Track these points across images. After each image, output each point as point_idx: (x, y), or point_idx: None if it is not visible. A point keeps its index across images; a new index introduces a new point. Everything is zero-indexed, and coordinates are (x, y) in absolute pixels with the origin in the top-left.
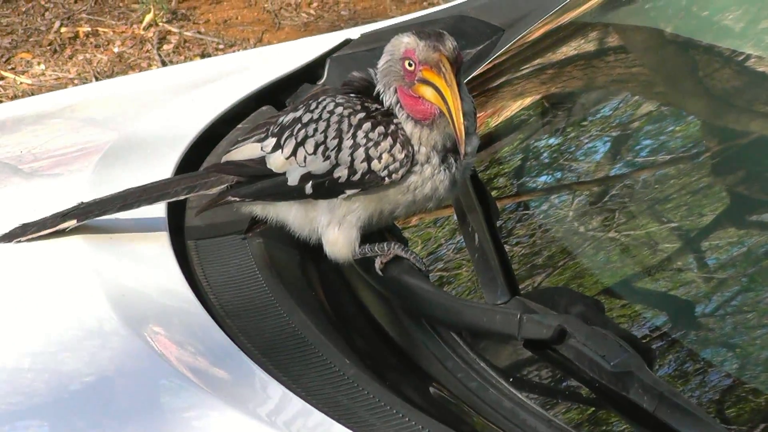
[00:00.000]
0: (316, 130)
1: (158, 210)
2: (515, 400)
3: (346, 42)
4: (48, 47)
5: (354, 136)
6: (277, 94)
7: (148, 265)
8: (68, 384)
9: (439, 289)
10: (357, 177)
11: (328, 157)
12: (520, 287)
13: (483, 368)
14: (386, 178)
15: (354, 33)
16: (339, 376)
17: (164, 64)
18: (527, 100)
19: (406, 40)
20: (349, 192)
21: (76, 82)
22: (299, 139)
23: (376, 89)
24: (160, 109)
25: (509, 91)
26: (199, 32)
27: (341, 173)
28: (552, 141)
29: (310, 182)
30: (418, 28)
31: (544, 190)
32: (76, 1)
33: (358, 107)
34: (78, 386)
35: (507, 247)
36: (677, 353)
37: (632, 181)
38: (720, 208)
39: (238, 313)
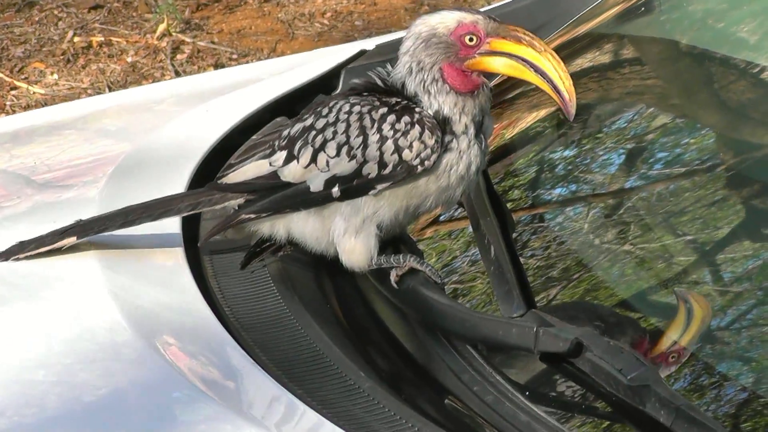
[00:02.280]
0: (336, 132)
1: (173, 223)
2: (531, 414)
3: (362, 53)
4: (61, 57)
5: (380, 129)
6: (291, 105)
7: (163, 277)
8: (81, 396)
9: (455, 302)
10: (388, 170)
11: (354, 156)
12: (536, 300)
13: (499, 382)
14: (419, 167)
15: (369, 44)
16: (354, 389)
17: (178, 74)
18: (542, 112)
19: (457, 16)
20: (379, 187)
21: (89, 92)
22: (317, 146)
23: (398, 74)
24: (174, 120)
25: (524, 102)
26: (213, 42)
27: (371, 169)
28: (567, 153)
29: (337, 185)
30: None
31: (560, 202)
32: (89, 11)
33: (377, 103)
34: (91, 398)
35: (522, 260)
36: (694, 367)
37: (647, 193)
38: (735, 221)
39: (253, 327)
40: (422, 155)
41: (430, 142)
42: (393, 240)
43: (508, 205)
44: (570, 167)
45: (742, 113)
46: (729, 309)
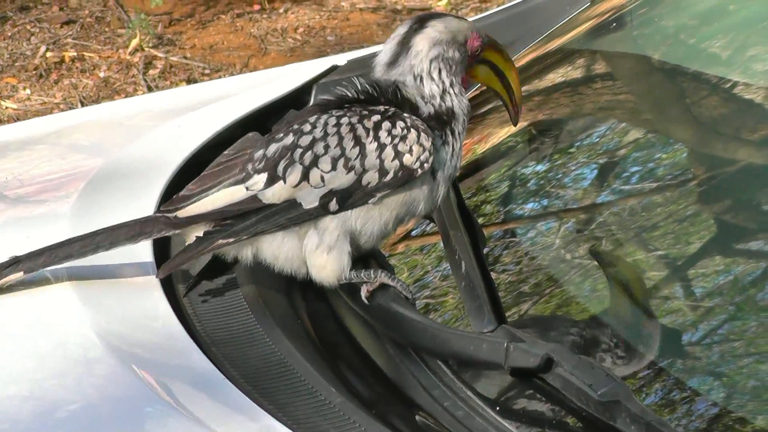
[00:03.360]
0: (327, 146)
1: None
2: (502, 429)
3: (333, 68)
4: (34, 72)
5: (377, 137)
6: (263, 120)
7: (134, 293)
8: (53, 411)
9: (426, 317)
10: (389, 177)
11: (351, 168)
12: (507, 315)
13: (470, 397)
14: (419, 170)
15: (341, 59)
16: (325, 404)
17: (150, 89)
18: (514, 127)
19: (467, 25)
20: (378, 195)
21: (62, 107)
22: (307, 163)
23: (401, 75)
24: (146, 135)
25: (496, 117)
26: (185, 57)
27: (371, 178)
28: (539, 168)
29: (335, 199)
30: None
31: (531, 218)
32: (62, 26)
33: (365, 112)
34: (63, 414)
35: (494, 275)
36: (664, 382)
37: (619, 208)
38: (707, 236)
39: (223, 341)
40: (422, 158)
41: (427, 144)
42: (364, 255)
43: (480, 220)
44: (542, 182)
45: (713, 128)
46: (700, 324)
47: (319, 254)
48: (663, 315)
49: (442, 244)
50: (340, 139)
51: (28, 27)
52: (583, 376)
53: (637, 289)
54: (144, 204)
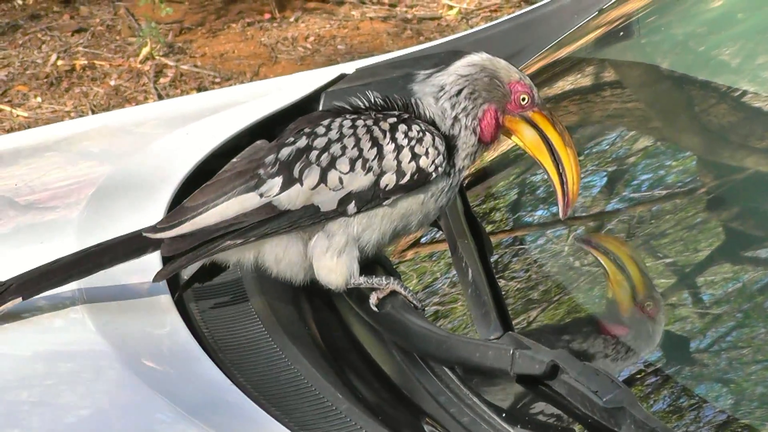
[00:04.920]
0: (345, 147)
1: None
2: None
3: (341, 76)
4: (45, 80)
5: (394, 139)
6: (271, 129)
7: (142, 298)
8: (63, 417)
9: (432, 324)
10: (406, 179)
11: (370, 169)
12: (513, 323)
13: (475, 403)
14: (433, 173)
15: (349, 67)
16: (332, 410)
17: (161, 97)
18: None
19: (518, 74)
20: (393, 198)
21: (72, 115)
22: (325, 164)
23: (441, 85)
24: (156, 142)
25: None
26: (196, 66)
27: (388, 180)
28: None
29: (353, 201)
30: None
31: (539, 225)
32: (72, 35)
33: (380, 116)
34: (73, 419)
35: (501, 282)
36: (671, 389)
37: (628, 216)
38: (715, 243)
39: (231, 348)
40: (436, 161)
41: (441, 148)
42: (370, 261)
43: (488, 227)
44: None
45: (722, 136)
46: (708, 331)
47: (329, 257)
48: (671, 322)
49: (449, 252)
50: (357, 140)
51: (39, 35)
52: (588, 383)
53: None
54: (151, 212)
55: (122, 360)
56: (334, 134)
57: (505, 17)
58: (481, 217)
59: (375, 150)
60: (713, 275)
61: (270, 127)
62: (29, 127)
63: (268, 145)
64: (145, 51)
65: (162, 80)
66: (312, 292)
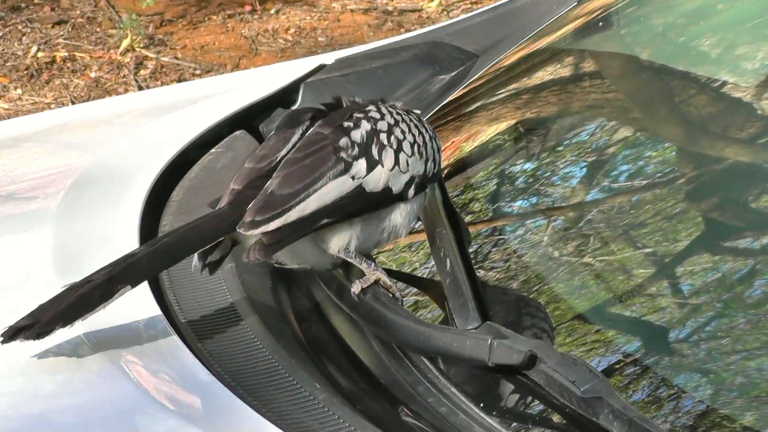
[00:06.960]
0: (404, 132)
1: (131, 232)
2: (485, 426)
3: (320, 67)
4: (25, 72)
5: (426, 130)
6: (250, 119)
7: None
8: (44, 408)
9: (410, 314)
10: (437, 169)
11: (422, 154)
12: (491, 313)
13: (453, 393)
14: (440, 172)
15: (329, 58)
16: (309, 400)
17: (141, 89)
18: (502, 126)
19: None
20: (429, 186)
21: (52, 106)
22: (395, 147)
23: None
24: (135, 132)
25: (484, 116)
26: (176, 58)
27: (429, 167)
28: (527, 166)
29: (413, 185)
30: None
31: (519, 216)
32: (53, 26)
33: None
34: (54, 411)
35: (481, 272)
36: (649, 378)
37: (607, 206)
38: (695, 233)
39: (209, 337)
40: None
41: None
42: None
43: (467, 218)
44: (529, 180)
45: (701, 127)
46: (687, 321)
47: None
48: (650, 312)
49: (428, 242)
50: (409, 127)
51: (20, 27)
52: (566, 373)
53: (621, 285)
54: (128, 202)
55: (100, 350)
56: (389, 118)
57: (485, 8)
58: (460, 207)
59: (421, 138)
60: (693, 265)
61: (249, 118)
62: (9, 119)
63: (247, 135)
64: (125, 43)
65: (142, 72)
66: (290, 282)
